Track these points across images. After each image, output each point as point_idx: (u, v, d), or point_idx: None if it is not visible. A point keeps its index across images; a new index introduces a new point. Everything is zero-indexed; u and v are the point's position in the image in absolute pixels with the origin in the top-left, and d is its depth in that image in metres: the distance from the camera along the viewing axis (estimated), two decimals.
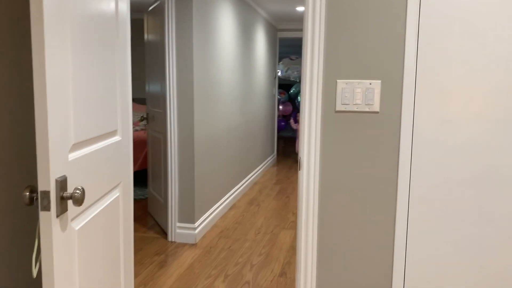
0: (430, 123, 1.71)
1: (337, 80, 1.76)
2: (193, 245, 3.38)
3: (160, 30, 3.42)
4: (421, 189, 1.74)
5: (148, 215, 4.08)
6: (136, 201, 4.58)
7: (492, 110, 1.66)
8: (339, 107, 1.77)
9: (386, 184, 1.77)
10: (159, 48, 3.49)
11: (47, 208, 1.19)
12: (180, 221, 3.45)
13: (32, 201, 1.24)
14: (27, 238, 1.71)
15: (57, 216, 1.22)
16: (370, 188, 1.78)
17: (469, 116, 1.67)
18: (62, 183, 1.23)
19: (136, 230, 3.70)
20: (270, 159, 6.86)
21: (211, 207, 3.88)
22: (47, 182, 1.18)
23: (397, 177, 1.75)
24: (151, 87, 3.86)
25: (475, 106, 1.67)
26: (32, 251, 1.74)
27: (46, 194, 1.18)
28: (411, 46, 1.68)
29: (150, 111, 3.96)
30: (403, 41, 1.69)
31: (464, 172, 1.70)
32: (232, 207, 4.46)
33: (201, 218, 3.60)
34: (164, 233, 3.62)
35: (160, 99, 3.55)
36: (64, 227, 1.27)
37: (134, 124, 5.68)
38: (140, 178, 5.41)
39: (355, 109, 1.76)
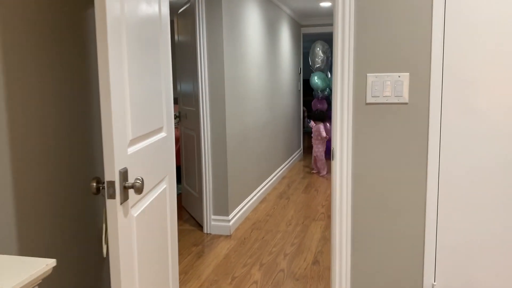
0: (457, 112, 1.79)
1: (367, 74, 1.86)
2: (228, 237, 3.53)
3: (191, 31, 3.57)
4: (450, 175, 1.82)
5: (183, 209, 4.26)
6: None
7: None
8: (369, 99, 1.87)
9: (416, 171, 1.86)
10: (190, 48, 3.64)
11: (112, 196, 1.34)
12: (215, 213, 3.61)
13: (98, 190, 1.40)
14: (89, 222, 1.88)
15: (121, 204, 1.37)
16: (401, 176, 1.88)
17: (495, 105, 1.74)
18: (124, 174, 1.38)
19: None
20: (297, 154, 6.96)
21: (243, 201, 4.02)
22: (112, 173, 1.33)
23: (426, 164, 1.84)
24: (183, 87, 4.02)
25: (501, 96, 1.74)
26: (93, 233, 1.91)
27: (111, 184, 1.34)
28: (438, 39, 1.76)
29: (182, 109, 4.13)
30: (430, 34, 1.77)
31: (491, 159, 1.77)
32: (263, 200, 4.59)
33: (234, 211, 3.74)
34: (199, 226, 3.78)
35: (193, 98, 3.70)
36: (126, 214, 1.42)
37: None
38: None
39: (385, 101, 1.86)
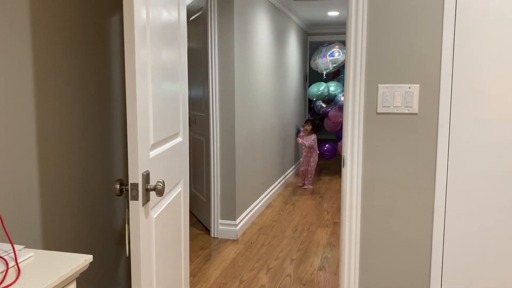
0: (465, 123, 1.84)
1: (378, 85, 1.92)
2: (235, 241, 3.58)
3: (203, 38, 3.65)
4: (458, 184, 1.88)
5: (190, 213, 4.31)
6: None
7: None
8: (380, 109, 1.93)
9: (425, 179, 1.91)
10: (202, 55, 3.72)
11: (135, 198, 1.40)
12: (222, 218, 3.66)
13: (121, 192, 1.46)
14: (107, 221, 1.94)
15: (143, 205, 1.44)
16: (410, 183, 1.93)
17: (502, 116, 1.80)
18: (146, 177, 1.45)
19: None
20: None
21: (250, 205, 4.07)
22: (136, 176, 1.39)
23: (435, 173, 1.90)
24: (193, 92, 4.09)
25: (508, 107, 1.79)
26: (111, 232, 1.97)
27: (135, 186, 1.40)
28: (448, 52, 1.82)
29: (192, 114, 4.19)
30: (440, 47, 1.84)
31: (498, 168, 1.82)
32: (268, 206, 4.64)
33: (241, 215, 3.80)
34: (206, 230, 3.83)
35: (203, 103, 3.77)
36: (147, 215, 1.48)
37: None
38: None
39: (395, 111, 1.92)
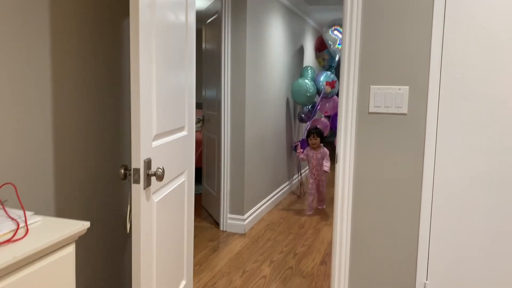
0: (452, 123, 1.94)
1: (370, 86, 2.04)
2: (242, 235, 3.73)
3: (217, 40, 3.83)
4: (444, 181, 1.98)
5: (202, 208, 4.49)
6: None
7: (509, 113, 1.87)
8: (372, 109, 2.05)
9: (413, 176, 2.02)
10: (216, 56, 3.90)
11: (137, 181, 1.57)
12: (231, 212, 3.82)
13: (125, 176, 1.63)
14: (113, 202, 2.13)
15: (144, 189, 1.60)
16: (398, 180, 2.04)
17: (488, 118, 1.89)
18: (148, 163, 1.61)
19: None
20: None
21: (259, 203, 4.22)
22: (138, 162, 1.56)
23: (422, 171, 2.00)
24: (208, 92, 4.27)
25: (494, 110, 1.88)
26: (118, 211, 2.15)
27: (137, 171, 1.57)
28: (436, 56, 1.93)
29: (206, 113, 4.38)
30: (429, 52, 1.94)
31: (482, 166, 1.92)
32: (278, 204, 4.78)
33: (250, 211, 3.95)
34: (216, 224, 4.00)
35: (215, 103, 3.95)
36: (148, 198, 1.65)
37: None
38: (195, 176, 5.84)
39: (386, 111, 2.03)
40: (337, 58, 5.22)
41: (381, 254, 2.11)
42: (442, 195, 1.99)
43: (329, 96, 4.91)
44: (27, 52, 1.54)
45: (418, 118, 1.99)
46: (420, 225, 2.03)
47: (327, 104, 5.13)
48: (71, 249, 1.06)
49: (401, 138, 2.02)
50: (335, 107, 5.08)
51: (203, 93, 4.45)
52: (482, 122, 1.90)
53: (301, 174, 5.10)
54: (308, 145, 4.58)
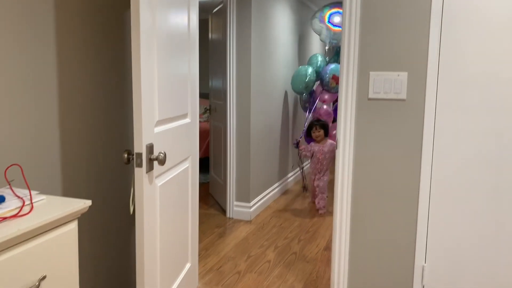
0: (450, 109, 1.96)
1: (370, 72, 2.07)
2: (248, 222, 3.80)
3: (223, 30, 3.86)
4: (442, 166, 2.00)
5: (210, 196, 4.57)
6: (199, 184, 5.08)
7: (506, 99, 1.88)
8: (371, 95, 2.08)
9: (411, 161, 2.05)
10: (222, 46, 3.93)
11: (139, 165, 1.63)
12: (237, 200, 3.89)
13: (128, 160, 1.69)
14: (120, 185, 2.20)
15: (146, 172, 1.66)
16: (397, 165, 2.07)
17: (485, 103, 1.91)
18: (150, 148, 1.67)
19: (200, 207, 4.17)
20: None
21: (265, 191, 4.28)
22: (140, 146, 1.62)
23: (421, 156, 2.03)
24: (214, 82, 4.32)
25: (491, 95, 1.90)
26: (124, 195, 2.22)
27: (139, 155, 1.63)
28: (434, 43, 1.95)
29: (212, 103, 4.43)
30: (427, 38, 1.96)
31: (480, 153, 1.94)
32: (286, 192, 4.83)
33: (256, 199, 4.01)
34: (223, 211, 4.07)
35: (222, 93, 3.99)
36: (150, 181, 1.71)
37: (199, 116, 6.20)
38: (203, 165, 5.92)
39: (385, 97, 2.06)
40: (326, 47, 5.09)
41: (381, 237, 2.15)
42: (440, 178, 2.01)
43: (332, 91, 4.62)
44: (35, 31, 1.60)
45: (417, 103, 2.02)
46: (419, 208, 2.06)
47: (326, 96, 4.81)
48: (73, 226, 1.13)
49: (400, 123, 2.05)
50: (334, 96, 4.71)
51: (210, 83, 4.50)
52: (479, 107, 1.92)
53: (302, 168, 5.07)
54: (311, 139, 4.23)
